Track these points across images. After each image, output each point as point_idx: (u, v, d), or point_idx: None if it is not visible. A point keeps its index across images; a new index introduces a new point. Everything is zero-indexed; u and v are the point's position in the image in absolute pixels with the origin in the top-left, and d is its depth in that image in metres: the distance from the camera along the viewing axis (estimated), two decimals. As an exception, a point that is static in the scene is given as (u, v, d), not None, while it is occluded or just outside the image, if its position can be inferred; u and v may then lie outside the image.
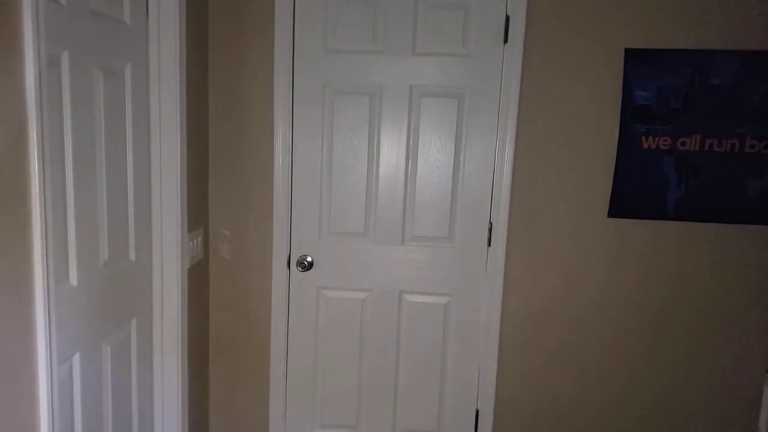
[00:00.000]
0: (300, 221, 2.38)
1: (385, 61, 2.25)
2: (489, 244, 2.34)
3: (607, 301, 2.33)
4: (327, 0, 2.23)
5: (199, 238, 2.27)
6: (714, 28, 2.13)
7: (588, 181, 2.26)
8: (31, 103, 1.26)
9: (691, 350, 2.33)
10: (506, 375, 2.41)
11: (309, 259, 2.40)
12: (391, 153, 2.31)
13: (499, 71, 2.23)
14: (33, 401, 1.35)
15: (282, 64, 2.26)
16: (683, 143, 2.20)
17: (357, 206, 2.35)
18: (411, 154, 2.31)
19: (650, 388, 2.37)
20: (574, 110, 2.23)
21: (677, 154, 2.21)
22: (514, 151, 2.26)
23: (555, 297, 2.34)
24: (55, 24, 1.43)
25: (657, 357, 2.34)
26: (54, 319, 1.37)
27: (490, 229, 2.33)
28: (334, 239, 2.38)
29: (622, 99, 2.19)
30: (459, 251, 2.35)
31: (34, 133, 1.27)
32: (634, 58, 2.17)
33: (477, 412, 2.45)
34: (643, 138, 2.21)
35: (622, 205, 2.26)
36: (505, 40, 2.21)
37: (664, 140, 2.21)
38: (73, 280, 1.57)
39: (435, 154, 2.30)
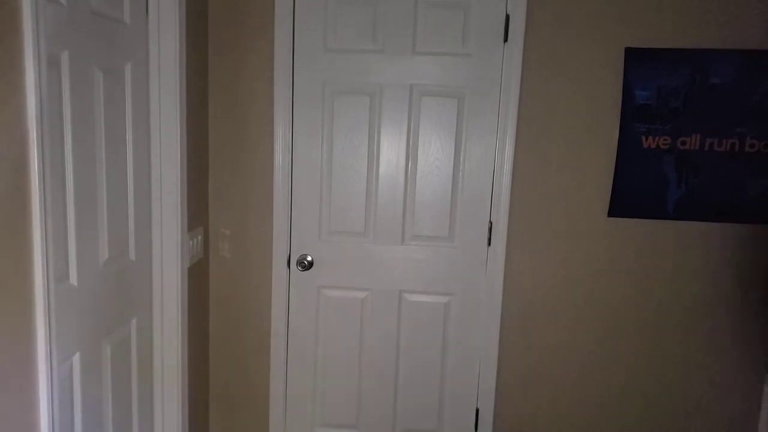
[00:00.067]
0: (300, 220, 2.38)
1: (385, 60, 2.25)
2: (489, 244, 2.34)
3: (607, 300, 2.33)
4: (327, -1, 2.23)
5: (199, 238, 2.27)
6: (714, 28, 2.13)
7: (588, 180, 2.26)
8: (31, 103, 1.26)
9: (690, 349, 2.33)
10: (506, 374, 2.41)
11: (309, 258, 2.40)
12: (391, 152, 2.31)
13: (499, 71, 2.23)
14: (33, 401, 1.35)
15: (282, 63, 2.26)
16: (683, 143, 2.20)
17: (357, 206, 2.35)
18: (411, 153, 2.31)
19: (650, 387, 2.37)
20: (574, 109, 2.22)
21: (677, 153, 2.21)
22: (514, 151, 2.26)
23: (555, 296, 2.34)
24: (55, 24, 1.43)
25: (657, 356, 2.35)
26: (54, 318, 1.37)
27: (490, 229, 2.33)
28: (334, 239, 2.38)
29: (622, 98, 2.19)
30: (459, 251, 2.35)
31: (34, 133, 1.27)
32: (634, 58, 2.17)
33: (477, 411, 2.45)
34: (643, 137, 2.21)
35: (622, 205, 2.26)
36: (505, 40, 2.21)
37: (664, 139, 2.21)
38: (73, 279, 1.57)
39: (435, 153, 2.30)
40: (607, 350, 2.36)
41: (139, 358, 1.98)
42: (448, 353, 2.43)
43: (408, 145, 2.31)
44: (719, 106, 2.16)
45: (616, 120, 2.22)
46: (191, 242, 2.17)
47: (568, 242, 2.30)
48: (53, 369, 1.38)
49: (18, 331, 1.28)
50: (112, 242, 1.76)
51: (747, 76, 2.14)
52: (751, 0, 2.10)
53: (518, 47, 2.19)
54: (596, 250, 2.30)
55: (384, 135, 2.30)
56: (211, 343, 2.49)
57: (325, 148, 2.32)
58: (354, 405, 2.49)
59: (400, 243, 2.36)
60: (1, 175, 1.21)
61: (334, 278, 2.40)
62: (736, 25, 2.12)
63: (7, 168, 1.22)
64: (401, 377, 2.46)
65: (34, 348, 1.34)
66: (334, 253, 2.39)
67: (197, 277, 2.29)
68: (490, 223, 2.33)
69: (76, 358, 1.62)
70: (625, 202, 2.25)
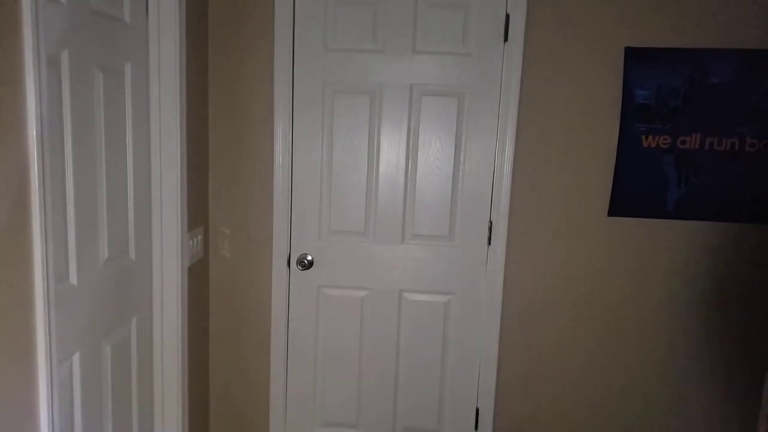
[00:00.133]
0: (300, 220, 2.38)
1: (385, 60, 2.25)
2: (489, 243, 2.34)
3: (607, 299, 2.33)
4: (327, -1, 2.23)
5: (199, 237, 2.27)
6: (714, 27, 2.13)
7: (588, 180, 2.26)
8: (30, 103, 1.26)
9: (690, 348, 2.33)
10: (506, 373, 2.41)
11: (309, 257, 2.40)
12: (391, 152, 2.31)
13: (499, 70, 2.23)
14: (33, 400, 1.35)
15: (282, 63, 2.26)
16: (683, 142, 2.20)
17: (357, 205, 2.35)
18: (411, 153, 2.31)
19: (650, 386, 2.37)
20: (574, 109, 2.22)
21: (677, 152, 2.21)
22: (514, 150, 2.26)
23: (555, 296, 2.34)
24: (55, 23, 1.43)
25: (657, 355, 2.35)
26: (54, 318, 1.37)
27: (490, 228, 2.33)
28: (334, 238, 2.38)
29: (622, 98, 2.19)
30: (459, 250, 2.35)
31: (34, 132, 1.27)
32: (633, 57, 2.17)
33: (477, 410, 2.45)
34: (643, 137, 2.21)
35: (622, 204, 2.25)
36: (505, 39, 2.21)
37: (664, 139, 2.20)
38: (73, 279, 1.57)
39: (435, 152, 2.30)
40: (607, 350, 2.36)
41: (139, 358, 1.98)
42: (448, 352, 2.43)
43: (408, 144, 2.31)
44: (719, 106, 2.16)
45: (616, 119, 2.22)
46: (191, 242, 2.18)
47: (568, 242, 2.30)
48: (53, 369, 1.38)
49: (18, 330, 1.29)
50: (112, 242, 1.76)
51: (747, 76, 2.14)
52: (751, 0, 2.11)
53: (518, 47, 2.19)
54: (596, 249, 2.30)
55: (384, 135, 2.30)
56: (211, 343, 2.49)
57: (325, 148, 2.32)
58: (354, 404, 2.49)
59: (400, 242, 2.36)
60: (1, 174, 1.21)
61: (334, 277, 2.41)
62: (736, 25, 2.12)
63: (7, 168, 1.22)
64: (401, 376, 2.46)
65: (33, 347, 1.34)
66: (334, 253, 2.39)
67: (197, 276, 2.29)
68: (490, 222, 2.33)
69: (76, 358, 1.62)
70: (625, 201, 2.25)
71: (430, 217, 2.34)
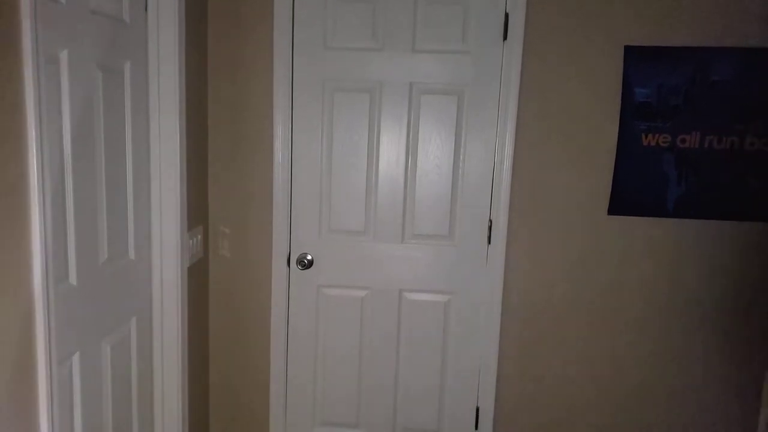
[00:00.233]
0: (300, 219, 2.37)
1: (384, 58, 2.25)
2: (489, 242, 2.34)
3: (607, 298, 2.33)
4: (326, -2, 2.23)
5: (199, 236, 2.27)
6: (714, 26, 2.13)
7: (588, 178, 2.26)
8: (29, 102, 1.25)
9: (690, 347, 2.33)
10: (506, 372, 2.41)
11: (309, 257, 2.39)
12: (391, 150, 2.31)
13: (498, 68, 2.23)
14: (33, 400, 1.35)
15: (281, 61, 2.25)
16: (683, 140, 2.20)
17: (357, 204, 2.35)
18: (411, 151, 2.31)
19: (650, 385, 2.37)
20: (573, 108, 2.22)
21: (677, 151, 2.21)
22: (514, 149, 2.26)
23: (555, 294, 2.34)
24: (54, 22, 1.42)
25: (657, 355, 2.35)
26: (53, 318, 1.37)
27: (490, 227, 2.33)
28: (334, 237, 2.38)
29: (622, 96, 2.19)
30: (459, 249, 2.35)
31: (33, 132, 1.27)
32: (633, 56, 2.16)
33: (477, 409, 2.45)
34: (643, 135, 2.21)
35: (621, 203, 2.25)
36: (505, 38, 2.21)
37: (664, 137, 2.20)
38: (73, 279, 1.57)
39: (435, 151, 2.30)
40: (607, 348, 2.36)
41: (138, 358, 1.98)
42: (448, 352, 2.43)
43: (408, 143, 2.30)
44: (719, 104, 2.16)
45: (615, 118, 2.21)
46: (191, 241, 2.17)
47: (569, 240, 2.30)
48: (53, 369, 1.38)
49: (17, 330, 1.28)
50: (111, 242, 1.76)
51: (747, 74, 2.14)
52: (751, -3, 2.11)
53: (518, 45, 2.19)
54: (596, 248, 2.30)
55: (384, 133, 2.30)
56: (211, 343, 2.49)
57: (324, 147, 2.32)
58: (354, 404, 2.49)
59: (400, 241, 2.36)
60: (0, 174, 1.20)
61: (334, 277, 2.40)
62: (736, 23, 2.12)
63: (6, 167, 1.22)
64: (401, 376, 2.46)
65: (33, 348, 1.33)
66: (334, 252, 2.39)
67: (197, 276, 2.29)
68: (490, 221, 2.32)
69: (76, 358, 1.61)
70: (625, 200, 2.25)
71: (430, 216, 2.34)
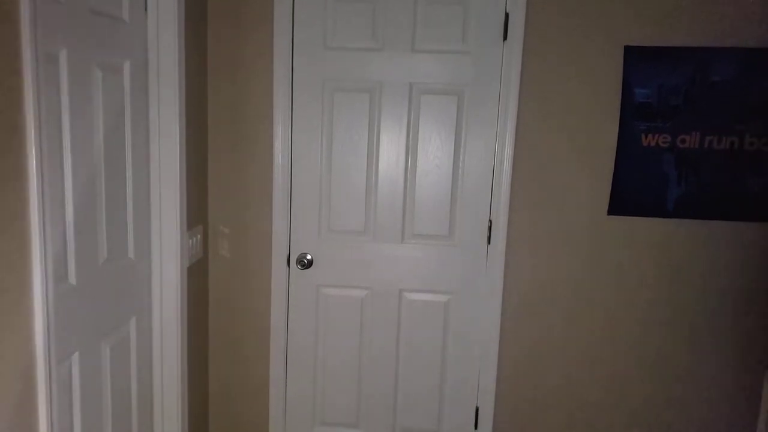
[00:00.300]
0: (300, 218, 2.37)
1: (384, 58, 2.25)
2: (489, 242, 2.34)
3: (607, 298, 2.33)
4: (326, -3, 2.23)
5: (199, 236, 2.27)
6: (714, 26, 2.13)
7: (588, 178, 2.26)
8: (29, 102, 1.25)
9: (690, 347, 2.33)
10: (506, 372, 2.41)
11: (309, 257, 2.39)
12: (391, 151, 2.31)
13: (498, 68, 2.23)
14: (32, 400, 1.34)
15: (281, 61, 2.25)
16: (683, 141, 2.20)
17: (357, 204, 2.35)
18: (411, 151, 2.31)
19: (650, 385, 2.37)
20: (573, 108, 2.22)
21: (677, 151, 2.21)
22: (514, 149, 2.26)
23: (555, 294, 2.34)
24: (54, 22, 1.42)
25: (657, 354, 2.35)
26: (53, 318, 1.37)
27: (490, 227, 2.33)
28: (333, 237, 2.38)
29: (622, 96, 2.19)
30: (459, 249, 2.35)
31: (32, 132, 1.26)
32: (634, 56, 2.16)
33: (477, 409, 2.45)
34: (643, 135, 2.21)
35: (621, 203, 2.25)
36: (505, 38, 2.21)
37: (664, 138, 2.20)
38: (72, 279, 1.57)
39: (435, 151, 2.30)
40: (607, 348, 2.36)
41: (138, 358, 1.97)
42: (447, 352, 2.43)
43: (408, 143, 2.30)
44: (719, 104, 2.16)
45: (615, 118, 2.21)
46: (191, 241, 2.17)
47: (568, 240, 2.30)
48: (52, 369, 1.37)
49: (17, 330, 1.28)
50: (111, 241, 1.75)
51: (747, 74, 2.13)
52: (751, -3, 2.11)
53: (518, 45, 2.19)
54: (596, 248, 2.30)
55: (384, 133, 2.30)
56: (210, 343, 2.49)
57: (324, 147, 2.32)
58: (354, 403, 2.49)
59: (400, 241, 2.36)
60: (0, 174, 1.20)
61: (334, 277, 2.40)
62: (737, 23, 2.12)
63: (6, 167, 1.21)
64: (401, 376, 2.46)
65: (33, 347, 1.33)
66: (334, 252, 2.39)
67: (197, 276, 2.29)
68: (490, 221, 2.32)
69: (75, 358, 1.61)
70: (625, 200, 2.25)
71: (430, 216, 2.34)
